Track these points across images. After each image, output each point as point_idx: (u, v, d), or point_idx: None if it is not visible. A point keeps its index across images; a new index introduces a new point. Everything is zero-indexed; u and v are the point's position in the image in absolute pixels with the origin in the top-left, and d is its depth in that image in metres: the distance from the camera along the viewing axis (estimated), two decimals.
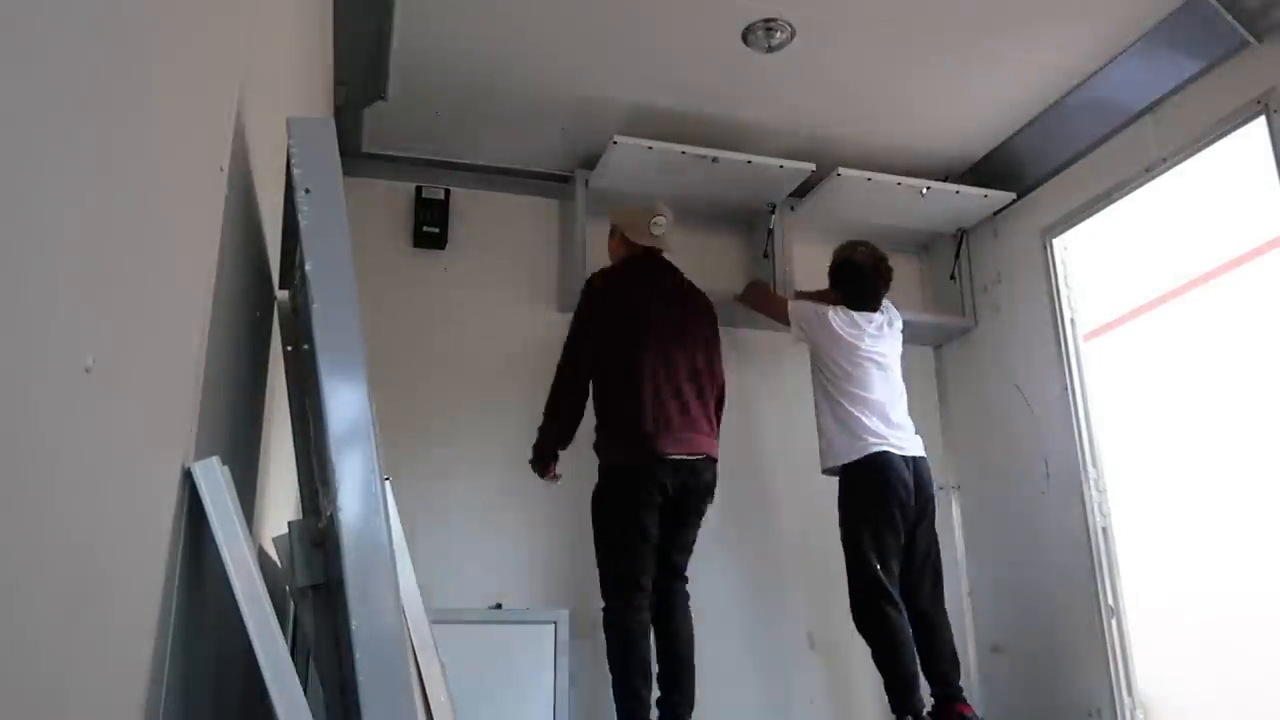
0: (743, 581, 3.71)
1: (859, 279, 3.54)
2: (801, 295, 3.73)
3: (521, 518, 3.51)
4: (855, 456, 3.27)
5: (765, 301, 3.77)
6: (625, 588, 2.94)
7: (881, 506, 3.21)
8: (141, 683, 0.94)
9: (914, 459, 3.32)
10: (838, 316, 3.46)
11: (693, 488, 3.05)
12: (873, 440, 3.27)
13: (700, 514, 3.14)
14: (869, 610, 3.14)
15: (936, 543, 3.31)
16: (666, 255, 3.40)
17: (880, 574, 3.13)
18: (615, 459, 3.05)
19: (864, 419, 3.30)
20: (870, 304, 3.53)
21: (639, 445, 3.01)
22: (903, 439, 3.33)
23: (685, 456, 3.04)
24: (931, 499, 3.32)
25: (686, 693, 2.95)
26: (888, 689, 3.11)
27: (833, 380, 3.39)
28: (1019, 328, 3.88)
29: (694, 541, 3.16)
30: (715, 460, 3.15)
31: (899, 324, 3.60)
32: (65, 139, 0.68)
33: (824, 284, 3.74)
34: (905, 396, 3.46)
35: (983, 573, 3.97)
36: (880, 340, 3.47)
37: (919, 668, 3.11)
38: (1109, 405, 3.68)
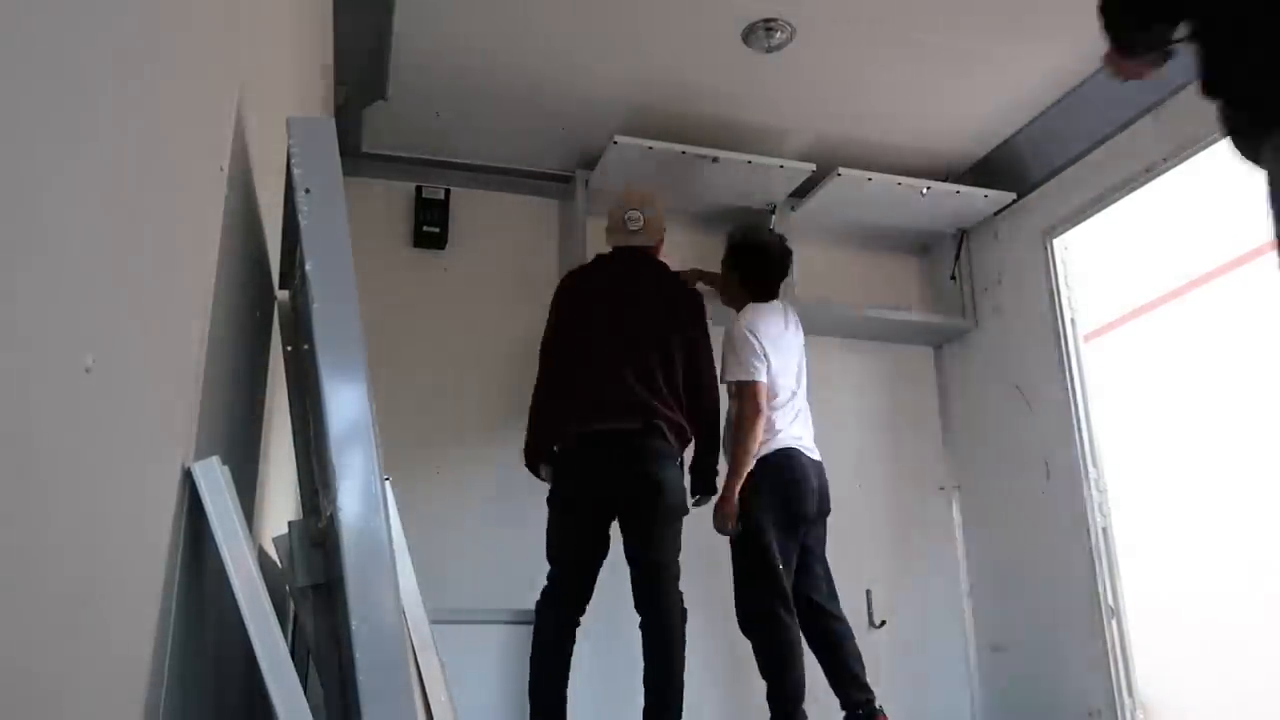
0: None
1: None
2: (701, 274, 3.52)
3: (522, 517, 3.51)
4: (765, 451, 3.14)
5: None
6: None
7: (786, 505, 3.11)
8: (142, 682, 0.94)
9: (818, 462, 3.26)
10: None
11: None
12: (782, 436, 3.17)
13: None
14: (774, 622, 3.04)
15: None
16: (656, 251, 3.25)
17: (781, 572, 3.04)
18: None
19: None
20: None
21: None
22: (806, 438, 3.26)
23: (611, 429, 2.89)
24: (829, 500, 3.24)
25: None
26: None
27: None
28: (1019, 328, 3.88)
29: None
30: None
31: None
32: (65, 139, 0.68)
33: (826, 282, 3.75)
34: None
35: (983, 573, 3.97)
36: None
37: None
38: (1109, 405, 3.68)
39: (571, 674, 2.83)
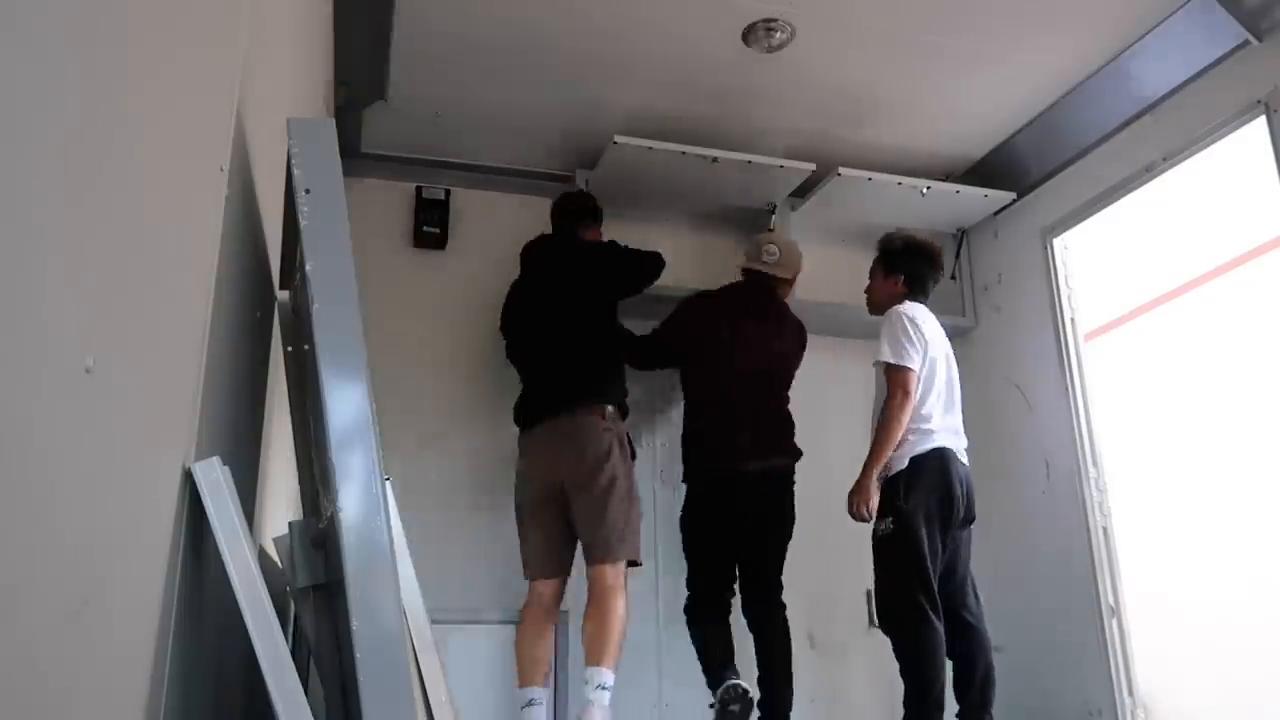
0: None
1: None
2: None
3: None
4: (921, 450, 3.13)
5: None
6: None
7: (940, 505, 3.10)
8: (143, 682, 0.94)
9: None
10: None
11: None
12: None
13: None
14: (921, 620, 3.00)
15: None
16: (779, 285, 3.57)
17: (930, 571, 3.07)
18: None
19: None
20: None
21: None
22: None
23: None
24: (974, 508, 3.22)
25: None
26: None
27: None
28: (1019, 328, 3.88)
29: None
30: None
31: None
32: (65, 139, 0.68)
33: (826, 283, 3.74)
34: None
35: (982, 573, 3.95)
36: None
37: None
38: (1109, 405, 3.68)
39: None
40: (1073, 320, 3.71)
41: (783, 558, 3.31)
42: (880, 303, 3.37)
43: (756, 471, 3.26)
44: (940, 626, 2.95)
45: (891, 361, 3.11)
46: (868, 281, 3.44)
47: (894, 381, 3.11)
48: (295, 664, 1.12)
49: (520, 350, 3.24)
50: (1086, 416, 3.59)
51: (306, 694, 1.10)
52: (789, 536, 3.34)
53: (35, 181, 0.62)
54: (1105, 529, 3.48)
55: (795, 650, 3.70)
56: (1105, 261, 3.95)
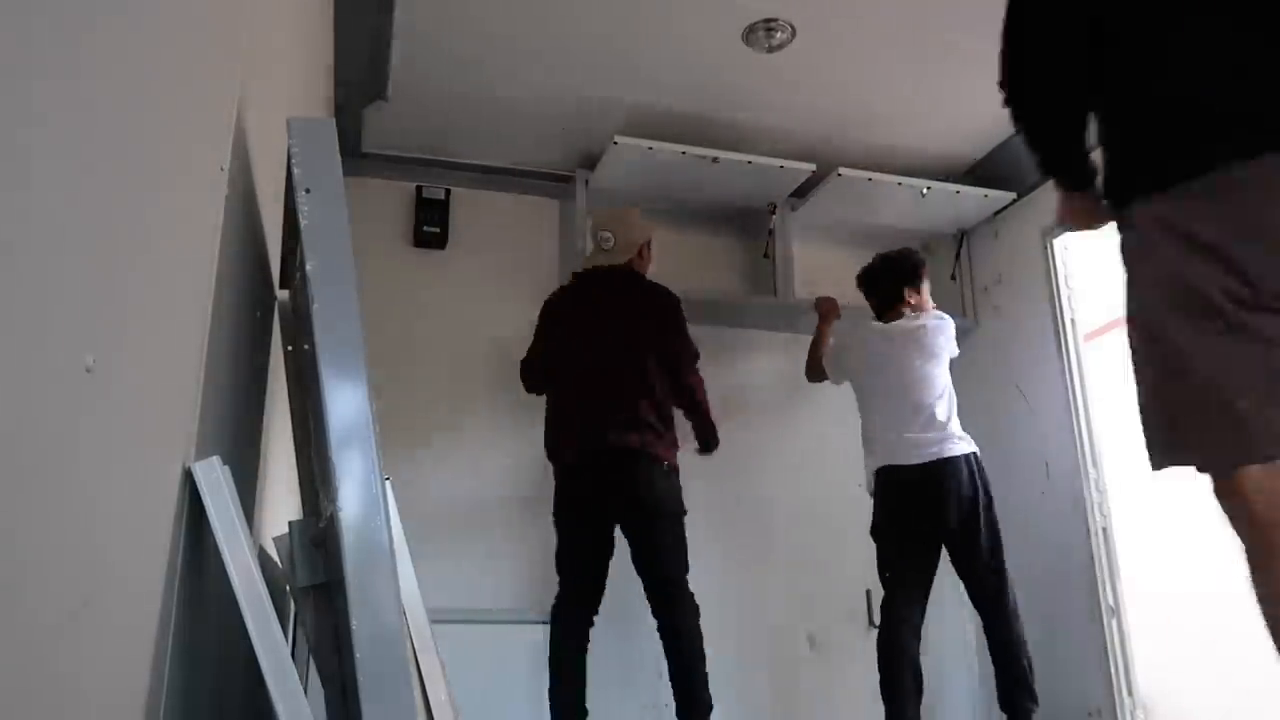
0: (743, 582, 3.71)
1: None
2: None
3: (522, 517, 3.51)
4: None
5: None
6: None
7: None
8: (142, 683, 0.94)
9: None
10: None
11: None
12: None
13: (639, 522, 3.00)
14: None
15: None
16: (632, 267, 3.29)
17: None
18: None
19: None
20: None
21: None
22: None
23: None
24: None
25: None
26: None
27: None
28: (1019, 328, 3.88)
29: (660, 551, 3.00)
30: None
31: None
32: (65, 139, 0.68)
33: (826, 283, 3.74)
34: None
35: None
36: None
37: None
38: (1109, 405, 3.68)
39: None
40: (1073, 320, 3.70)
41: (678, 551, 2.98)
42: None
43: (616, 449, 2.98)
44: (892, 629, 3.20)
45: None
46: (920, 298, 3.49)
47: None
48: (295, 664, 1.12)
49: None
50: (1086, 417, 3.59)
51: (307, 694, 1.10)
52: (677, 526, 3.01)
53: (35, 181, 0.62)
54: (1105, 529, 3.48)
55: (795, 650, 3.71)
56: (1105, 261, 3.94)
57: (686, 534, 3.02)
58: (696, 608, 2.93)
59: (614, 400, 3.01)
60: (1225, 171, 1.38)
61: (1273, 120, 1.37)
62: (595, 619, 3.00)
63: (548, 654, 2.94)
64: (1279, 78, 1.38)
